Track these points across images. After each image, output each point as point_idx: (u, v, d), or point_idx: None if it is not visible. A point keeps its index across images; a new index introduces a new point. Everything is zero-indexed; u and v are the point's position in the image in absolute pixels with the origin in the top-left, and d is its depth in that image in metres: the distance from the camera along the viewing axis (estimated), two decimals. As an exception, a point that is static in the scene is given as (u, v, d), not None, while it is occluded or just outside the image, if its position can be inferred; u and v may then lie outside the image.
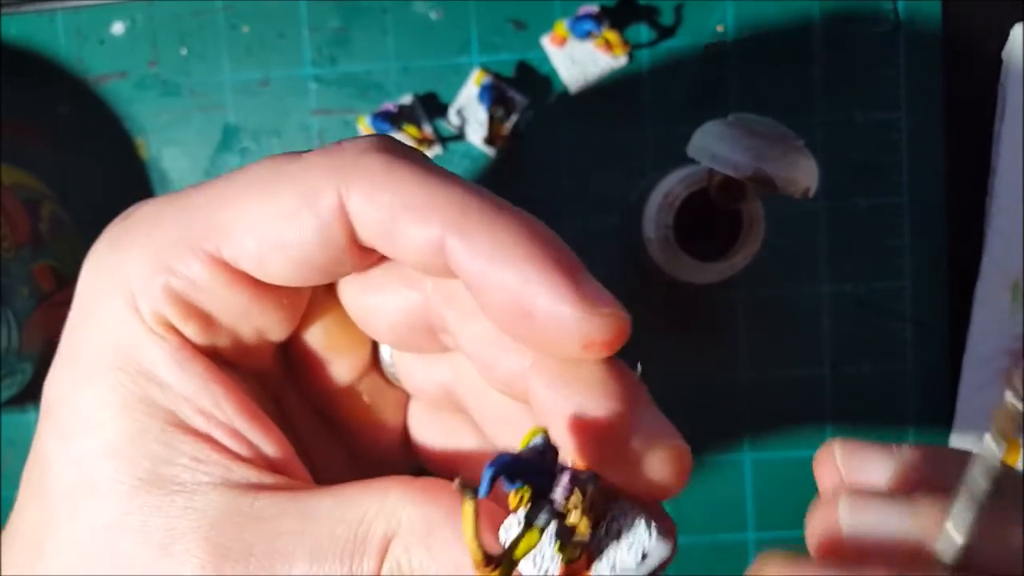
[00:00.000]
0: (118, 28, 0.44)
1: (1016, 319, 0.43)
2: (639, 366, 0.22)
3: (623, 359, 0.22)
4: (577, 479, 0.19)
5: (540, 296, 0.20)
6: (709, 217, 0.38)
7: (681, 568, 0.44)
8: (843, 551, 0.18)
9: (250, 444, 0.22)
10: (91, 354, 0.22)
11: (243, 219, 0.22)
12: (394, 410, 0.27)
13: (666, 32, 0.43)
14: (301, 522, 0.21)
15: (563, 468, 0.19)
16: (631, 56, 0.43)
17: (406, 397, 0.27)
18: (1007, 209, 0.42)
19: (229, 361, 0.23)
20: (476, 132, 0.43)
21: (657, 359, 0.44)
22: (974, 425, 0.43)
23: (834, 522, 0.18)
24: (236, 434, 0.22)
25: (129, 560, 0.21)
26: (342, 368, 0.26)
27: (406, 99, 0.43)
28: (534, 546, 0.19)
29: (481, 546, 0.18)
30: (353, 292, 0.24)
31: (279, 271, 0.22)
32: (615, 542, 0.20)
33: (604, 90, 0.43)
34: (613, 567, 0.19)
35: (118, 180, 0.45)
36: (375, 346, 0.26)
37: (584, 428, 0.20)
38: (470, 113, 0.43)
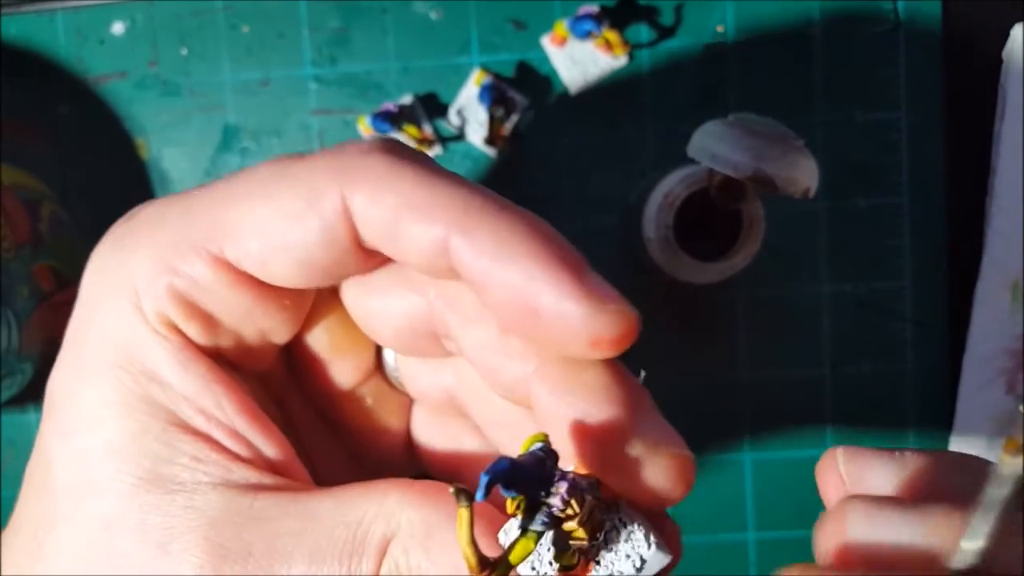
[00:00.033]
0: (118, 28, 0.44)
1: (1016, 319, 0.43)
2: (642, 372, 0.22)
3: (625, 365, 0.22)
4: (576, 487, 0.19)
5: (545, 293, 0.20)
6: (709, 217, 0.38)
7: (681, 568, 0.44)
8: (854, 561, 0.18)
9: (250, 445, 0.22)
10: (94, 353, 0.22)
11: (247, 220, 0.22)
12: (397, 414, 0.27)
13: (666, 32, 0.43)
14: (300, 523, 0.21)
15: (563, 475, 0.19)
16: (631, 56, 0.43)
17: (409, 401, 0.27)
18: (1007, 209, 0.42)
19: (232, 362, 0.23)
20: (476, 132, 0.43)
21: (657, 359, 0.44)
22: (974, 425, 0.43)
23: (844, 532, 0.18)
24: (236, 435, 0.22)
25: (127, 559, 0.21)
26: (345, 371, 0.26)
27: (406, 99, 0.43)
28: (530, 553, 0.19)
29: (476, 551, 0.18)
30: (356, 295, 0.24)
31: (282, 272, 0.22)
32: (613, 550, 0.20)
33: (604, 90, 0.43)
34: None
35: (118, 180, 0.45)
36: (379, 350, 0.26)
37: (586, 434, 0.20)
38: (470, 113, 0.43)
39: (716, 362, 0.44)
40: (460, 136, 0.43)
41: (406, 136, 0.42)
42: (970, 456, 0.20)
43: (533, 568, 0.19)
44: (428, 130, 0.43)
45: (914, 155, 0.43)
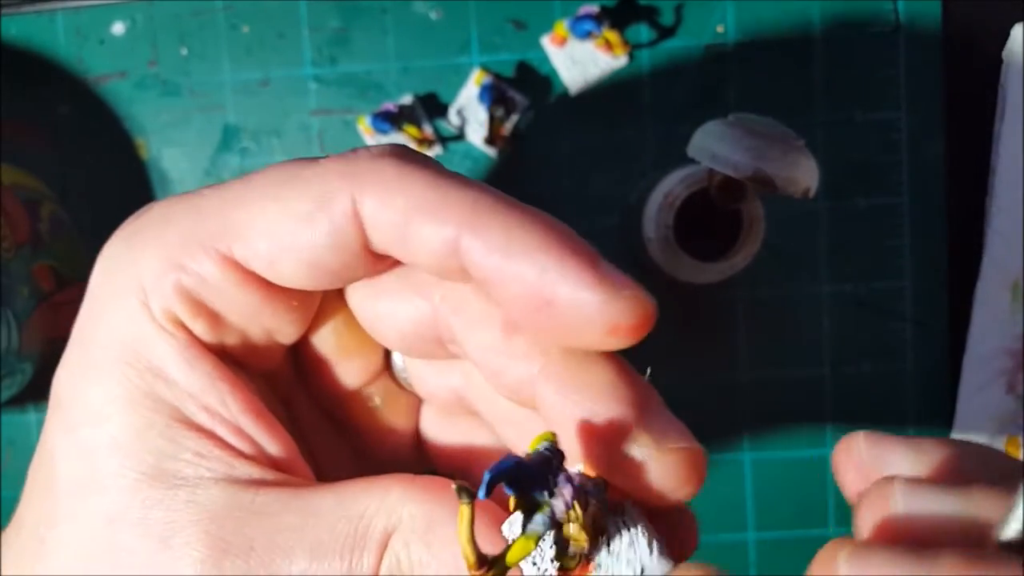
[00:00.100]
0: (118, 28, 0.44)
1: (1016, 319, 0.43)
2: (648, 369, 0.22)
3: (631, 364, 0.22)
4: (582, 489, 0.19)
5: (560, 284, 0.20)
6: (709, 217, 0.38)
7: (681, 568, 0.44)
8: (898, 536, 0.18)
9: (253, 442, 0.22)
10: (100, 349, 0.22)
11: (256, 220, 0.22)
12: (405, 414, 0.27)
13: (666, 32, 0.43)
14: (302, 518, 0.21)
15: (568, 477, 0.19)
16: (631, 56, 0.43)
17: (418, 401, 0.27)
18: (1007, 209, 0.42)
19: (238, 360, 0.24)
20: (476, 132, 0.43)
21: (657, 359, 0.44)
22: (974, 425, 0.43)
23: (887, 507, 0.18)
24: (240, 432, 0.22)
25: (129, 553, 0.21)
26: (353, 372, 0.26)
27: (406, 99, 0.43)
28: (528, 553, 0.19)
29: (475, 548, 0.18)
30: (362, 299, 0.24)
31: (290, 274, 0.22)
32: (615, 555, 0.20)
33: (604, 90, 0.43)
34: None
35: (118, 180, 0.45)
36: (387, 351, 0.26)
37: (593, 433, 0.20)
38: (470, 113, 0.43)
39: (716, 362, 0.44)
40: (460, 136, 0.43)
41: (406, 136, 0.42)
42: (986, 446, 0.21)
43: (535, 564, 0.19)
44: (428, 130, 0.43)
45: (914, 155, 0.43)
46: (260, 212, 0.22)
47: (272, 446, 0.22)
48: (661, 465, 0.20)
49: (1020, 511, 0.17)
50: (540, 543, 0.19)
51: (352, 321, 0.25)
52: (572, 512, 0.19)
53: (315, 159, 0.22)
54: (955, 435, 0.43)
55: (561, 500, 0.19)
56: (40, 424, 0.43)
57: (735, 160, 0.33)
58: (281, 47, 0.44)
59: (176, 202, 0.23)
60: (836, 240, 0.43)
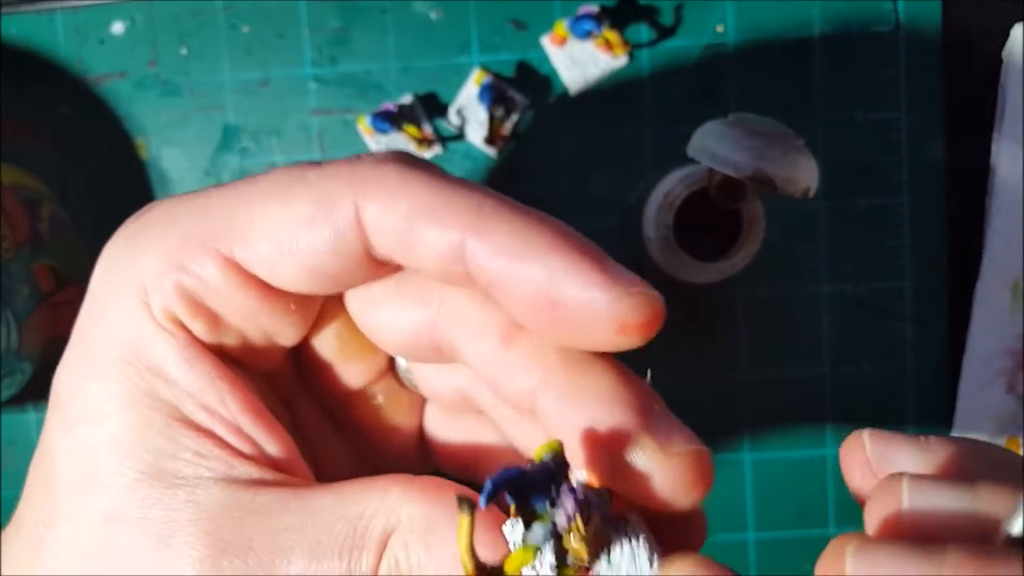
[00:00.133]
0: (118, 28, 0.44)
1: (1016, 319, 0.43)
2: (648, 373, 0.22)
3: (630, 366, 0.22)
4: (585, 502, 0.19)
5: (567, 284, 0.20)
6: (709, 217, 0.38)
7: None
8: (907, 532, 0.18)
9: (253, 442, 0.22)
10: (100, 348, 0.22)
11: (258, 223, 0.22)
12: (408, 413, 0.27)
13: (666, 32, 0.43)
14: (301, 518, 0.21)
15: (571, 489, 0.19)
16: (631, 56, 0.43)
17: (421, 400, 0.27)
18: (1007, 209, 0.42)
19: (237, 360, 0.24)
20: (476, 132, 0.43)
21: (657, 359, 0.44)
22: (974, 425, 0.43)
23: (897, 503, 0.18)
24: (239, 431, 0.22)
25: (128, 553, 0.21)
26: (355, 374, 0.26)
27: (406, 99, 0.43)
28: (527, 563, 0.19)
29: (474, 557, 0.18)
30: (361, 307, 0.24)
31: (290, 277, 0.22)
32: (615, 567, 0.20)
33: (604, 90, 0.43)
34: None
35: (118, 180, 0.45)
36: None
37: (597, 441, 0.20)
38: (470, 113, 0.43)
39: (716, 362, 0.44)
40: (460, 136, 0.43)
41: (406, 136, 0.42)
42: (991, 444, 0.21)
43: (534, 568, 0.19)
44: (428, 130, 0.43)
45: (914, 155, 0.43)
46: (262, 215, 0.22)
47: (271, 446, 0.22)
48: (667, 470, 0.20)
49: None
50: (539, 553, 0.19)
51: (354, 325, 0.25)
52: (573, 525, 0.19)
53: (318, 163, 0.22)
54: (955, 435, 0.43)
55: (563, 512, 0.19)
56: (40, 424, 0.43)
57: (735, 160, 0.33)
58: (281, 47, 0.44)
59: (178, 202, 0.23)
60: (836, 240, 0.43)
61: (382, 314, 0.24)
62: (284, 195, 0.22)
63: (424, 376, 0.26)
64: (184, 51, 0.44)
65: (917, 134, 0.43)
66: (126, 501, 0.21)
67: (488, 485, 0.18)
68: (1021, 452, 0.43)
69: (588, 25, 0.41)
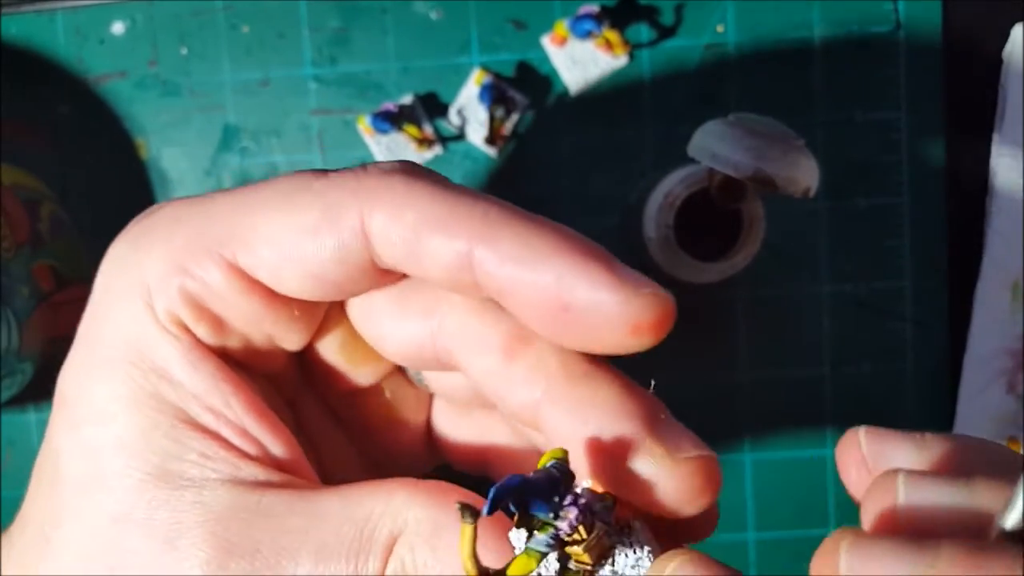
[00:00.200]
0: (118, 28, 0.44)
1: (1016, 319, 0.43)
2: (652, 382, 0.22)
3: (634, 373, 0.22)
4: (589, 510, 0.19)
5: (577, 288, 0.20)
6: (709, 217, 0.38)
7: (681, 568, 0.44)
8: (902, 527, 0.18)
9: (258, 443, 0.22)
10: (105, 349, 0.22)
11: (263, 229, 0.22)
12: (416, 410, 0.27)
13: (666, 32, 0.43)
14: (307, 520, 0.21)
15: (574, 498, 0.19)
16: (631, 56, 0.43)
17: (428, 395, 0.27)
18: (1007, 209, 0.42)
19: (241, 362, 0.24)
20: (476, 132, 0.43)
21: (657, 360, 0.44)
22: (974, 425, 0.43)
23: (893, 498, 0.18)
24: (244, 433, 0.22)
25: (134, 554, 0.21)
26: (361, 376, 0.26)
27: (406, 99, 0.43)
28: (530, 571, 0.19)
29: (477, 564, 0.18)
30: (363, 315, 0.24)
31: (294, 284, 0.22)
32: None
33: (604, 90, 0.43)
34: None
35: (118, 180, 0.45)
36: None
37: (603, 451, 0.20)
38: (470, 113, 0.43)
39: (716, 362, 0.44)
40: (460, 136, 0.43)
41: (406, 136, 0.42)
42: (987, 440, 0.21)
43: (539, 574, 0.19)
44: (428, 130, 0.43)
45: (914, 155, 0.43)
46: (266, 221, 0.22)
47: (276, 447, 0.22)
48: (675, 475, 0.20)
49: (1020, 501, 0.17)
50: (543, 560, 0.19)
51: (358, 332, 0.25)
52: (577, 534, 0.19)
53: (324, 172, 0.22)
54: (955, 435, 0.43)
55: (566, 522, 0.19)
56: (40, 424, 0.43)
57: (735, 160, 0.33)
58: (281, 47, 0.44)
59: (183, 205, 0.23)
60: (836, 240, 0.43)
61: (385, 324, 0.24)
62: (290, 203, 0.22)
63: (433, 374, 0.26)
64: (184, 51, 0.44)
65: (917, 134, 0.43)
66: (132, 502, 0.21)
67: (491, 494, 0.18)
68: (1021, 452, 0.43)
69: (588, 25, 0.41)
